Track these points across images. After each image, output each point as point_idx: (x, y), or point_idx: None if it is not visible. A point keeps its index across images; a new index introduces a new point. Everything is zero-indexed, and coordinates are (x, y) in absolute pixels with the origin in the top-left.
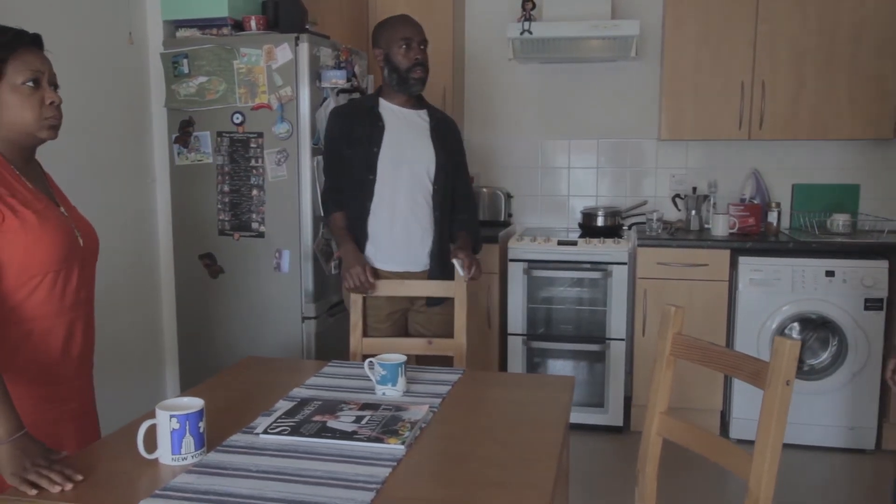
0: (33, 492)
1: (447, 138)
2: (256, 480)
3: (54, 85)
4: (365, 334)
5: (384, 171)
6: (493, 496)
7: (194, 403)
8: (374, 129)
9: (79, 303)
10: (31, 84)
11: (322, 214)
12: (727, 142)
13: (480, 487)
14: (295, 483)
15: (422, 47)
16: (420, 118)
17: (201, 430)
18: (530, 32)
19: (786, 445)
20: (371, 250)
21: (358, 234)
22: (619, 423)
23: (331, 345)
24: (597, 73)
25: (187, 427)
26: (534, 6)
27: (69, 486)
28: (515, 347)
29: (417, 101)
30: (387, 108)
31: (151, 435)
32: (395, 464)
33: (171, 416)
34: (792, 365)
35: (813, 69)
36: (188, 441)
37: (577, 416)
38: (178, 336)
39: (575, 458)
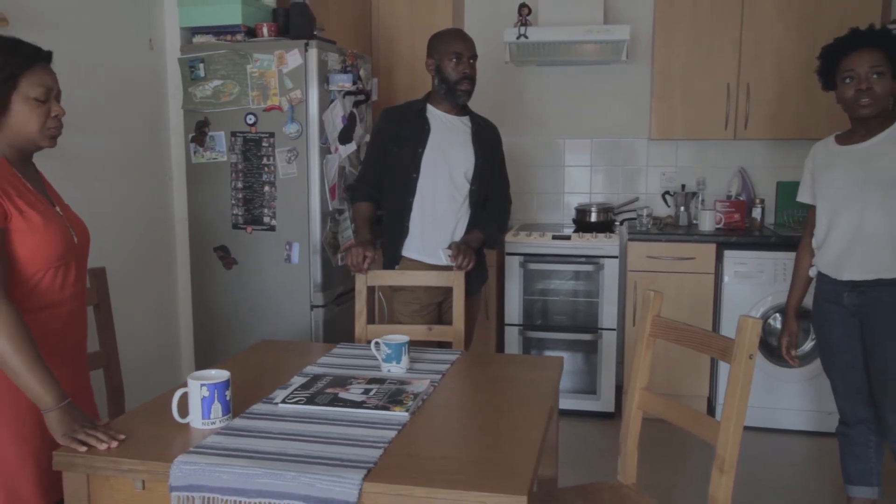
0: (83, 448)
1: (487, 143)
2: (278, 441)
3: (58, 98)
4: (399, 322)
5: (427, 171)
6: (486, 454)
7: (221, 374)
8: (420, 131)
9: (75, 295)
10: (40, 98)
11: (349, 201)
12: (715, 141)
13: (475, 447)
14: (312, 443)
15: (471, 61)
16: (463, 124)
17: (228, 398)
18: (526, 37)
19: (769, 429)
20: (410, 243)
21: (398, 228)
22: (611, 409)
23: (338, 331)
24: (590, 76)
25: (216, 395)
26: (529, 12)
27: (114, 445)
28: (512, 337)
29: (462, 108)
30: (434, 112)
31: (183, 402)
32: (400, 428)
33: (202, 385)
34: (754, 340)
35: (795, 72)
36: (216, 407)
37: (570, 403)
38: (193, 323)
39: (568, 442)
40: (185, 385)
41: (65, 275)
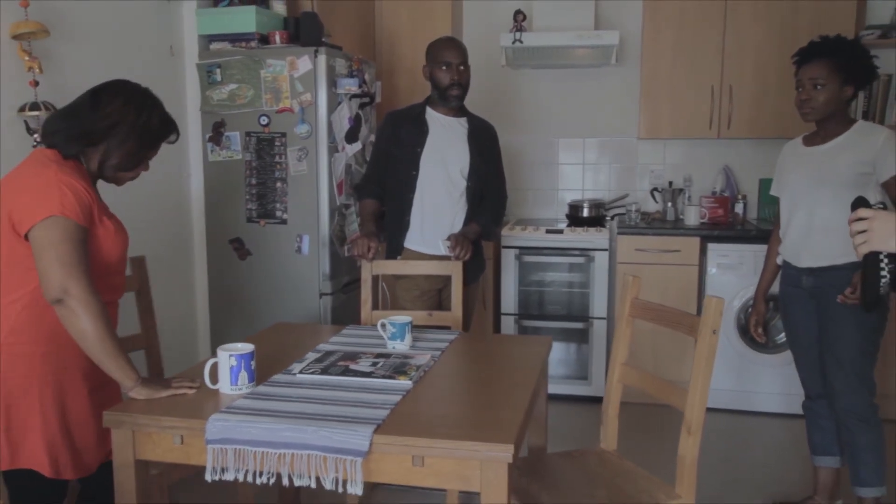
0: (192, 391)
1: (483, 142)
2: (298, 403)
3: None
4: (402, 308)
5: (425, 169)
6: (479, 413)
7: (247, 347)
8: (419, 133)
9: (115, 301)
10: (151, 159)
11: (356, 198)
12: (700, 140)
13: (470, 408)
14: (328, 405)
15: (461, 68)
16: (460, 125)
17: (252, 367)
18: (521, 42)
19: (749, 412)
20: (411, 235)
21: (400, 221)
22: (602, 393)
23: (344, 318)
24: (582, 78)
25: (242, 364)
26: (524, 18)
27: (197, 386)
28: (508, 326)
29: (459, 110)
30: (432, 115)
31: (213, 371)
32: (404, 393)
33: (230, 356)
34: (717, 318)
35: (775, 75)
36: (243, 375)
37: (563, 388)
38: (209, 310)
39: (560, 423)
40: (215, 356)
41: (117, 279)
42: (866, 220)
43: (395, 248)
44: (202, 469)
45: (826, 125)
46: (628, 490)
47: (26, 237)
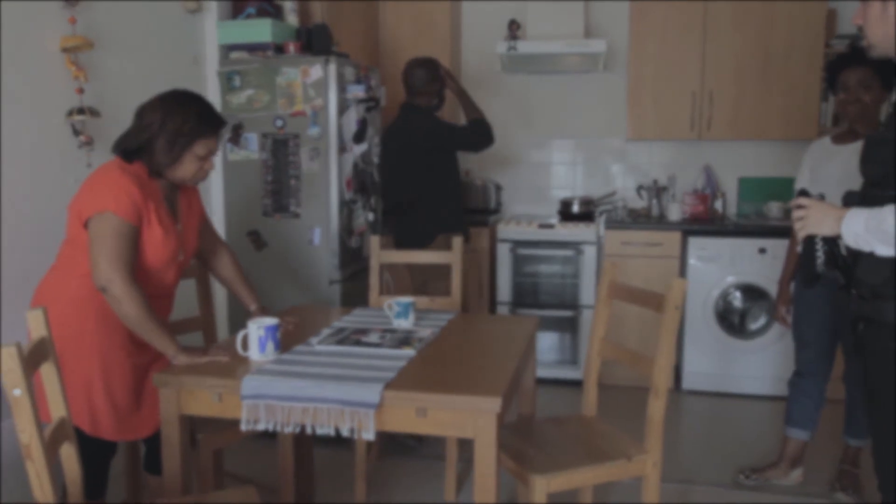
0: (226, 358)
1: None
2: (318, 367)
3: (213, 155)
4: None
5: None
6: (474, 374)
7: (273, 320)
8: None
9: (167, 293)
10: (202, 156)
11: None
12: (683, 141)
13: (466, 370)
14: (344, 368)
15: None
16: None
17: (278, 337)
18: (515, 49)
19: (726, 394)
20: (452, 219)
21: (457, 207)
22: None
23: (353, 304)
24: (574, 83)
25: (269, 335)
26: (519, 27)
27: (227, 358)
28: (503, 314)
29: None
30: None
31: (244, 341)
32: (409, 359)
33: (258, 327)
34: (680, 296)
35: (752, 81)
36: (270, 345)
37: (553, 372)
38: (228, 297)
39: (550, 404)
40: (245, 329)
41: (163, 276)
42: (804, 209)
43: (456, 225)
44: (245, 438)
45: (859, 126)
46: (603, 446)
47: (86, 226)
